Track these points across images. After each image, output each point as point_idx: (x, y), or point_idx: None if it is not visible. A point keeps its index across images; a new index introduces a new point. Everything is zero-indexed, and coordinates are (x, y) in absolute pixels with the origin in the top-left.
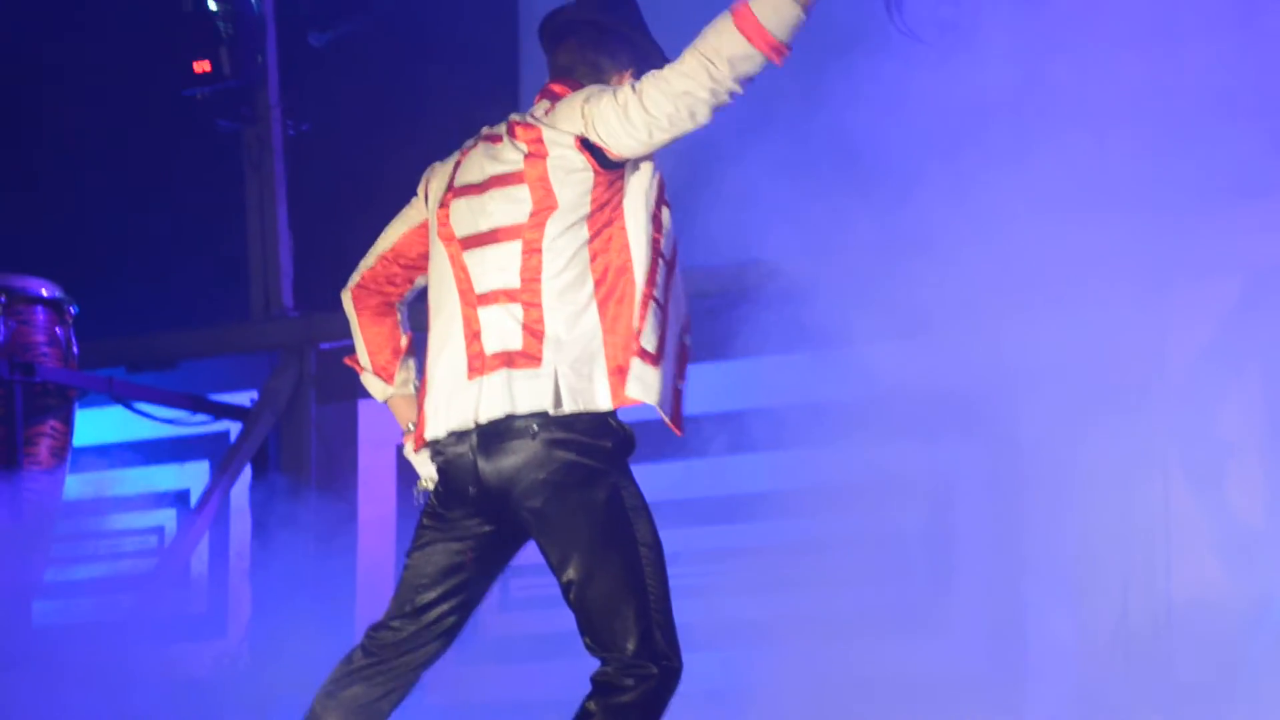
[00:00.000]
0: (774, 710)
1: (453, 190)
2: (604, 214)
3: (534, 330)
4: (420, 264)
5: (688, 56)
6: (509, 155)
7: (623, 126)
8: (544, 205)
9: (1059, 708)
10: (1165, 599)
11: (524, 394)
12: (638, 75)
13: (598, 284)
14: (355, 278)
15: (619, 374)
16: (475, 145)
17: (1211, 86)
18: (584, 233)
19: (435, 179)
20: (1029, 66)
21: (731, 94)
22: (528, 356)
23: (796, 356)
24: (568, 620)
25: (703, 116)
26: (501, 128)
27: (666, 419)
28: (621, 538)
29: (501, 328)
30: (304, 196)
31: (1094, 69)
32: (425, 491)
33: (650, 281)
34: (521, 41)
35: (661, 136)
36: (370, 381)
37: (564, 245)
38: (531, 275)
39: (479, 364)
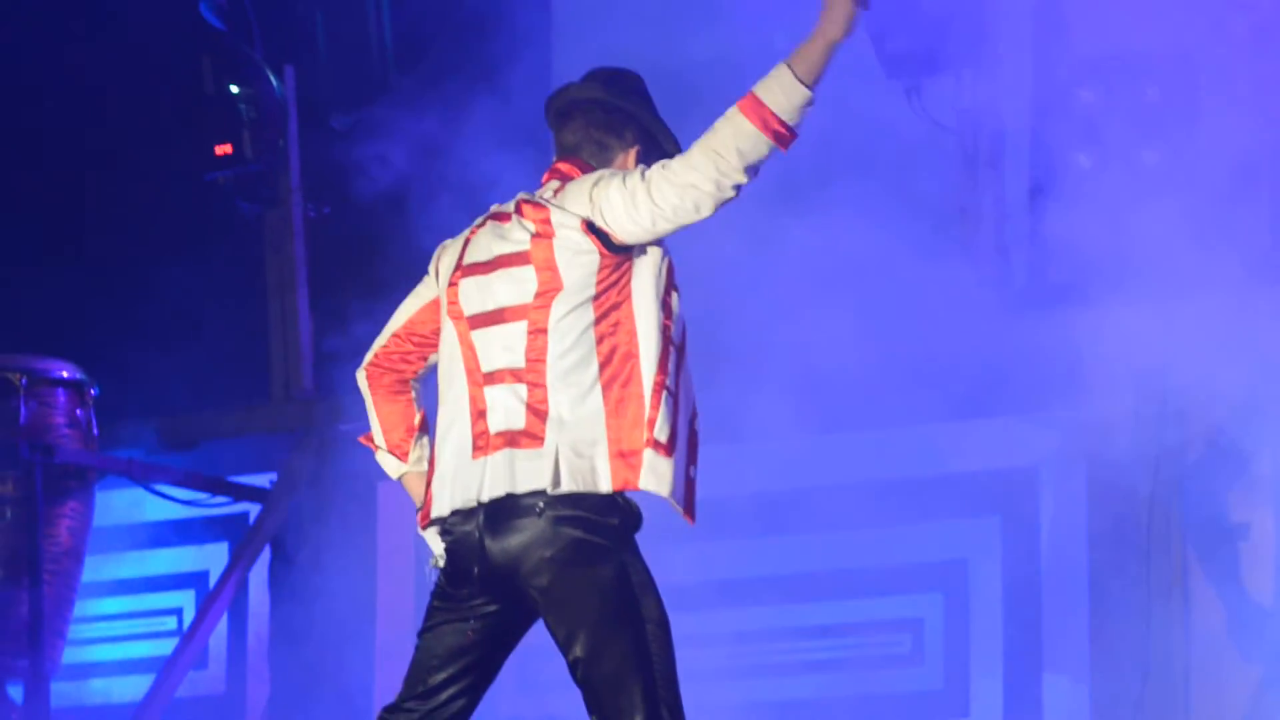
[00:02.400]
0: None
1: (461, 269)
2: (610, 297)
3: (538, 410)
4: (433, 341)
5: (696, 149)
6: (516, 235)
7: (628, 214)
8: (550, 286)
9: None
10: (1183, 688)
11: (525, 474)
12: (644, 153)
13: (603, 366)
14: (369, 356)
15: (621, 458)
16: (484, 224)
17: None
18: (589, 315)
19: (445, 257)
20: None
21: (737, 186)
22: (530, 436)
23: (813, 439)
24: (580, 701)
25: (706, 209)
26: (510, 206)
27: (679, 509)
28: (628, 616)
29: (506, 407)
30: (324, 277)
31: None
32: (436, 569)
33: (662, 369)
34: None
35: (665, 226)
36: (384, 459)
37: (569, 326)
38: (537, 355)
39: (483, 443)
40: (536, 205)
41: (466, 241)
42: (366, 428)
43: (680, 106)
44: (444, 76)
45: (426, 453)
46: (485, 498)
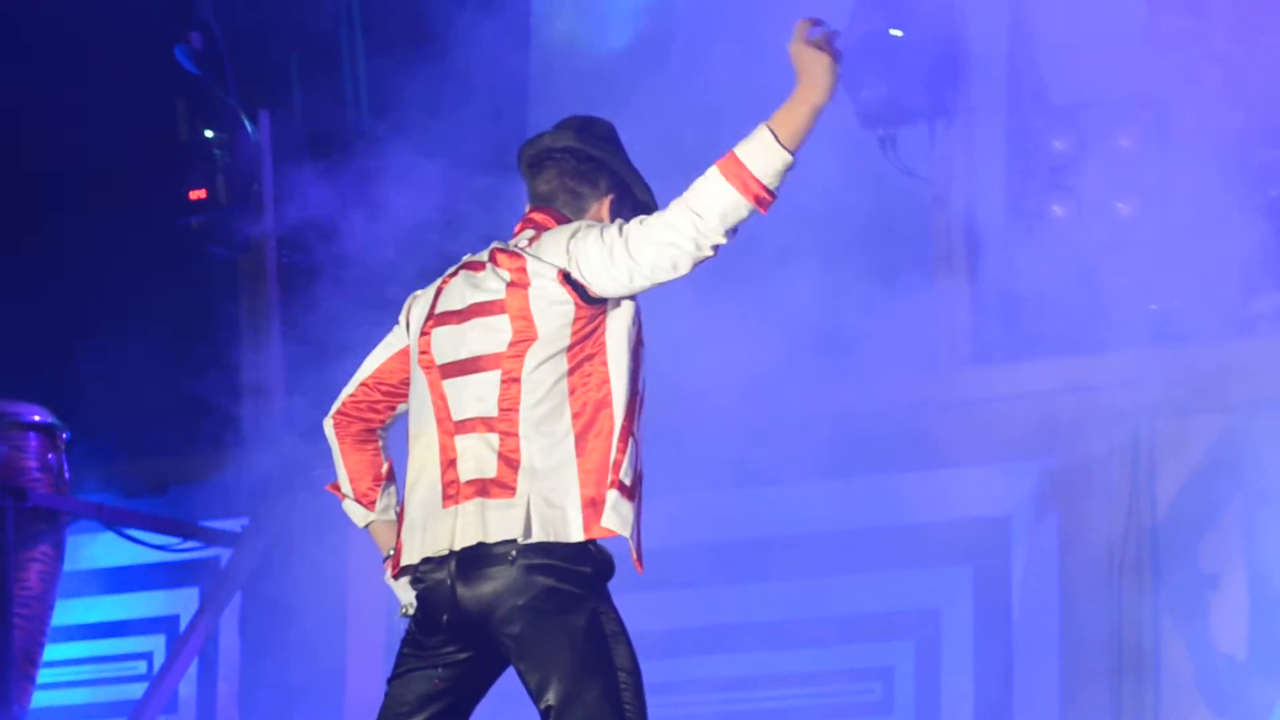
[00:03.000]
0: None
1: (434, 318)
2: (584, 347)
3: (509, 459)
4: (402, 391)
5: (675, 207)
6: (490, 284)
7: (605, 269)
8: (524, 336)
9: None
10: None
11: (496, 523)
12: (618, 202)
13: (575, 416)
14: (336, 404)
15: (592, 505)
16: (457, 273)
17: None
18: (563, 365)
19: (417, 306)
20: None
21: (716, 246)
22: (502, 486)
23: (785, 487)
24: None
25: (684, 268)
26: (484, 255)
27: (634, 554)
28: (600, 664)
29: (477, 456)
30: (297, 323)
31: None
32: (406, 617)
33: (629, 417)
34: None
35: (641, 283)
36: (351, 508)
37: (543, 376)
38: (509, 404)
39: (454, 491)
40: (512, 254)
41: (439, 291)
42: (335, 475)
43: (652, 149)
44: (418, 122)
45: (393, 501)
46: (457, 546)
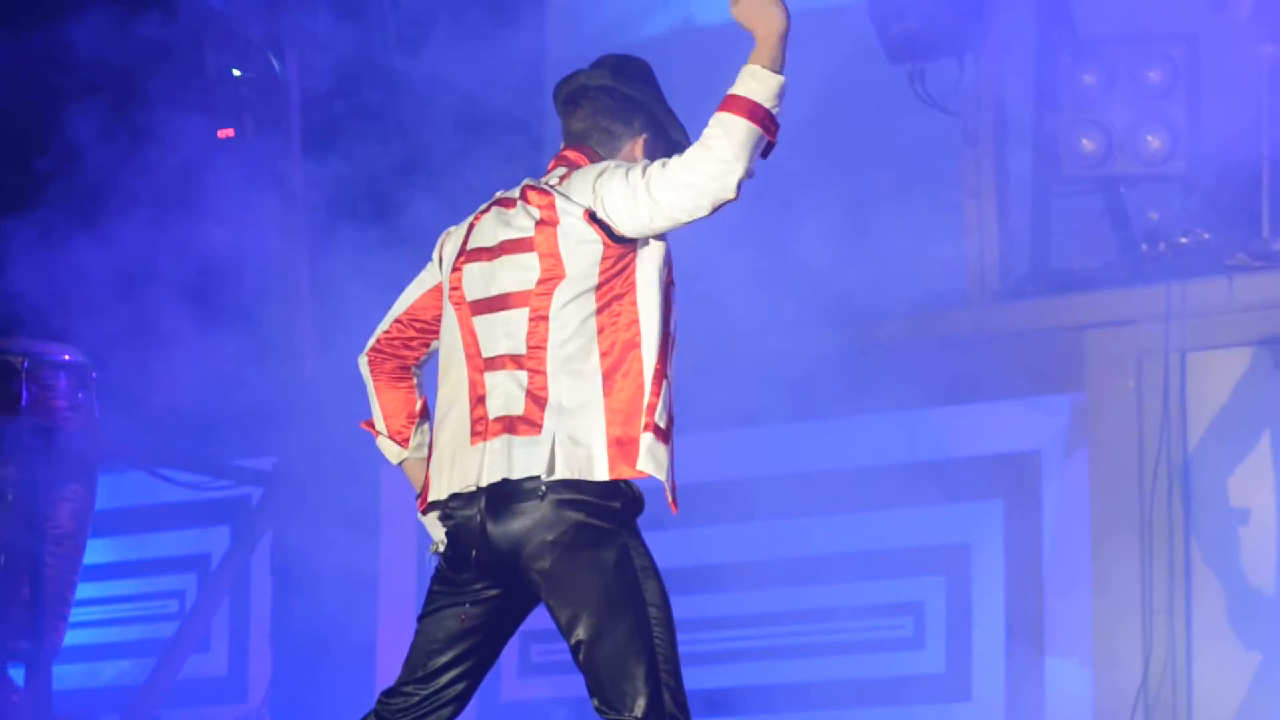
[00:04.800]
0: None
1: (465, 254)
2: (614, 286)
3: (537, 397)
4: (435, 328)
5: (692, 151)
6: (521, 221)
7: (627, 208)
8: (553, 274)
9: None
10: (1184, 672)
11: (522, 460)
12: (652, 142)
13: (603, 355)
14: (371, 342)
15: (618, 445)
16: (489, 210)
17: None
18: (591, 303)
19: (449, 243)
20: None
21: (737, 185)
22: (529, 423)
23: (816, 424)
24: (581, 684)
25: (704, 209)
26: (515, 192)
27: (669, 496)
28: (630, 599)
29: (506, 393)
30: (327, 260)
31: None
32: (436, 554)
33: (662, 358)
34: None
35: (661, 224)
36: (385, 445)
37: (571, 315)
38: (538, 342)
39: (482, 428)
40: (541, 192)
41: (471, 227)
42: (369, 411)
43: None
44: (446, 57)
45: (427, 439)
46: (484, 482)
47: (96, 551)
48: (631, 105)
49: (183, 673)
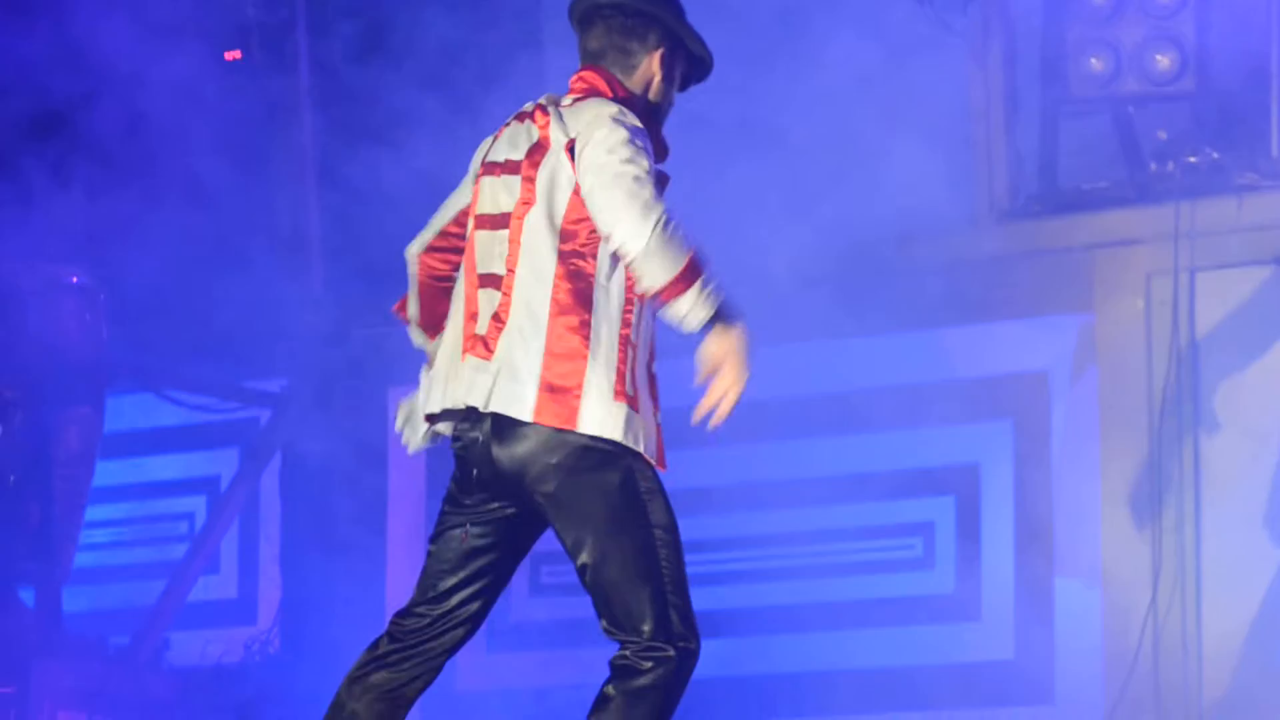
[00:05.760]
0: (802, 696)
1: (484, 167)
2: (577, 233)
3: (500, 321)
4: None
5: (650, 207)
6: (521, 141)
7: (590, 173)
8: (526, 199)
9: (1088, 692)
10: (1194, 590)
11: (471, 385)
12: (669, 56)
13: (554, 299)
14: (421, 244)
15: (548, 390)
16: (510, 123)
17: None
18: (554, 240)
19: (478, 155)
20: None
21: (636, 231)
22: (486, 347)
23: (822, 344)
24: (589, 606)
25: (620, 224)
26: (531, 107)
27: (651, 458)
28: (636, 520)
29: (482, 312)
30: (336, 182)
31: None
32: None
33: (625, 322)
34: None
35: (591, 207)
36: (415, 333)
37: (536, 245)
38: (511, 266)
39: (468, 345)
40: (545, 113)
41: (495, 139)
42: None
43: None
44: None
45: None
46: (459, 404)
47: (105, 474)
48: (645, 21)
49: (192, 594)
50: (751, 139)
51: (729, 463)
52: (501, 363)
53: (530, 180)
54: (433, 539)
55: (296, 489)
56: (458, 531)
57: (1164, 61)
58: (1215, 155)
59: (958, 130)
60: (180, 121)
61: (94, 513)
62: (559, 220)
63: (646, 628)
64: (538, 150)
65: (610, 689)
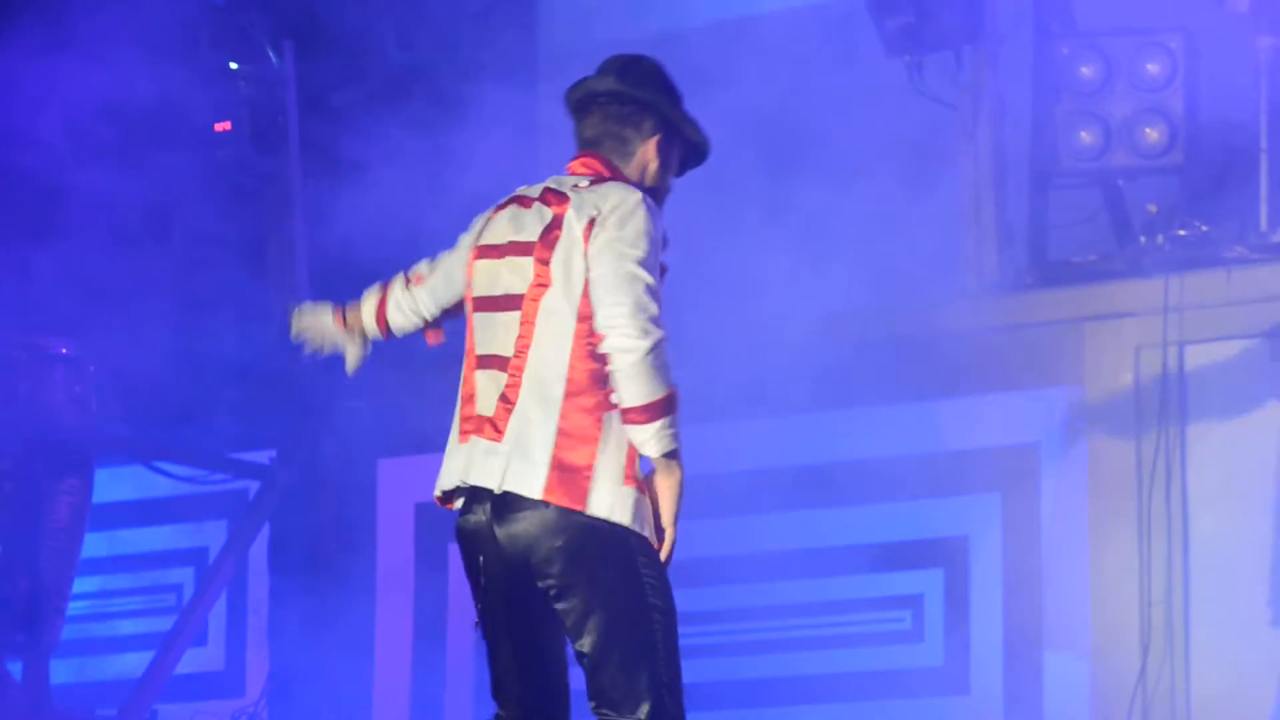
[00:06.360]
0: None
1: (477, 249)
2: (594, 316)
3: (508, 403)
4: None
5: (647, 334)
6: (531, 223)
7: (604, 272)
8: (543, 280)
9: None
10: (1183, 662)
11: (481, 466)
12: (665, 144)
13: (570, 379)
14: (395, 285)
15: (559, 469)
16: (506, 206)
17: None
18: (572, 321)
19: (470, 235)
20: None
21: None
22: (495, 429)
23: (814, 416)
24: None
25: (620, 329)
26: (535, 191)
27: (653, 542)
28: (638, 605)
29: (485, 394)
30: (324, 255)
31: None
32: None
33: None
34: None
35: (596, 304)
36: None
37: (551, 327)
38: (520, 348)
39: (469, 427)
40: (560, 195)
41: (487, 221)
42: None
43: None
44: (445, 55)
45: (358, 316)
46: (466, 482)
47: (94, 545)
48: (641, 109)
49: (180, 666)
50: (740, 210)
51: (719, 535)
52: (513, 443)
53: (545, 262)
54: (483, 634)
55: (285, 561)
56: (490, 619)
57: (1153, 135)
58: (1204, 228)
59: (948, 202)
60: (169, 194)
61: (82, 584)
62: (576, 303)
63: (643, 711)
64: (552, 232)
65: None
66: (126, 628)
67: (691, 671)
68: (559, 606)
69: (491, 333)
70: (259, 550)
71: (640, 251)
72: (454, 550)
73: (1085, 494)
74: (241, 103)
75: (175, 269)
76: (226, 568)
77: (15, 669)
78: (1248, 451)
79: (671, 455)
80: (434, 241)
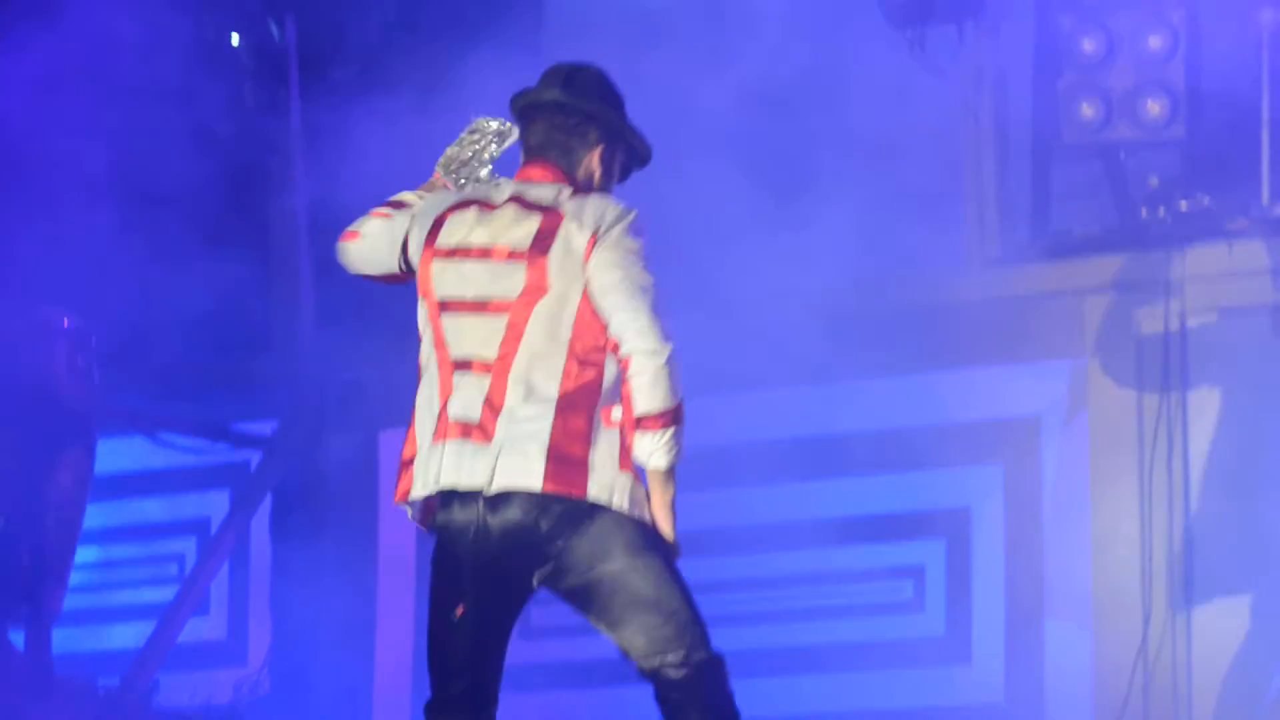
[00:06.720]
0: None
1: (433, 249)
2: (591, 322)
3: (494, 405)
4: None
5: (662, 348)
6: (511, 229)
7: (618, 274)
8: (539, 285)
9: None
10: (1184, 633)
11: (469, 467)
12: (608, 153)
13: (564, 381)
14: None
15: (556, 460)
16: (465, 207)
17: None
18: (569, 326)
19: (415, 229)
20: None
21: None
22: (482, 430)
23: (816, 388)
24: (589, 649)
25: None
26: (499, 196)
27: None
28: (654, 544)
29: (465, 397)
30: (326, 227)
31: None
32: None
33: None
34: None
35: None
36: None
37: (549, 331)
38: (506, 350)
39: (443, 429)
40: (541, 204)
41: (439, 221)
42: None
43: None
44: (446, 28)
45: None
46: (441, 486)
47: (96, 516)
48: (585, 119)
49: (182, 636)
50: (742, 183)
51: (720, 506)
52: (503, 442)
53: (541, 269)
54: (430, 624)
55: (287, 531)
56: (451, 610)
57: (1155, 108)
58: (1206, 201)
59: (950, 175)
60: (173, 165)
61: (84, 554)
62: (574, 311)
63: (699, 643)
64: (546, 239)
65: (676, 697)
66: (129, 598)
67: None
68: (569, 579)
69: (467, 335)
70: (261, 520)
71: (642, 261)
72: None
73: (1087, 465)
74: (244, 76)
75: (176, 243)
76: (229, 538)
77: (18, 639)
78: (1249, 423)
79: (671, 471)
80: None
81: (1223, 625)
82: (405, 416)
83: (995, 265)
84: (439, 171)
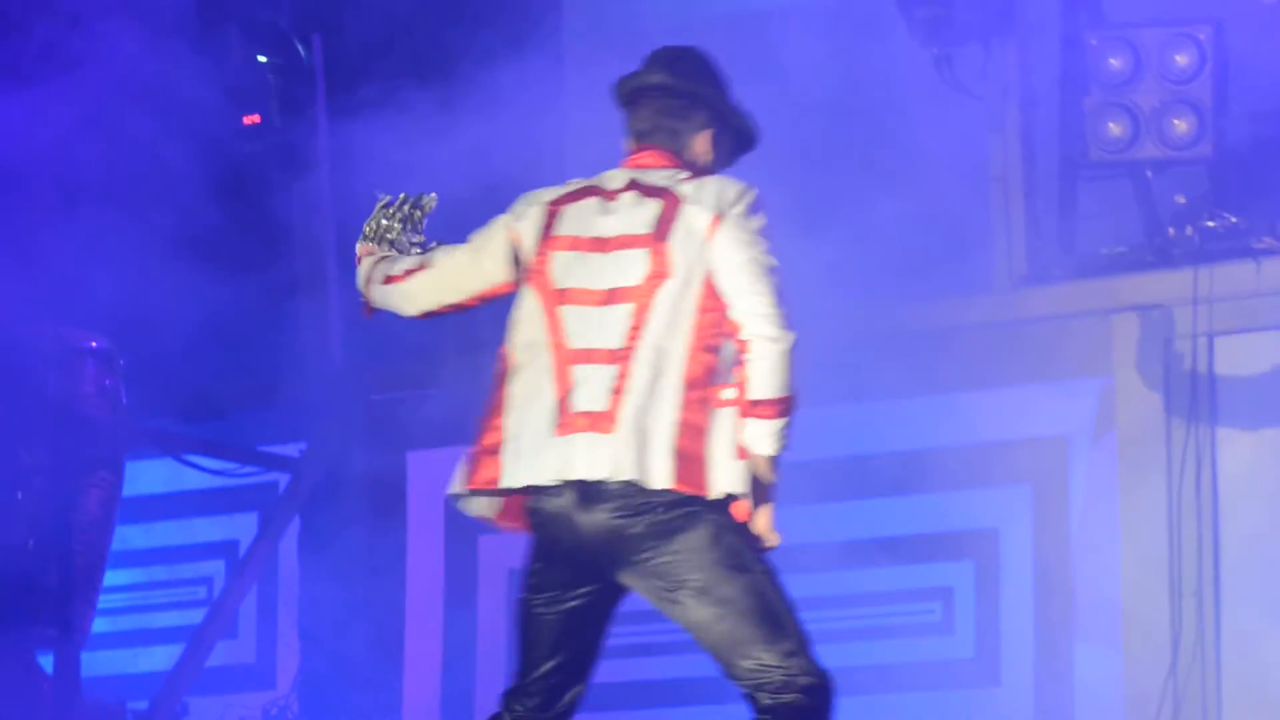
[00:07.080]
0: None
1: (551, 240)
2: (714, 305)
3: (620, 395)
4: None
5: (782, 338)
6: (632, 216)
7: (746, 253)
8: (661, 271)
9: None
10: (1214, 654)
11: (593, 458)
12: (717, 136)
13: (689, 365)
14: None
15: (679, 458)
16: (580, 197)
17: None
18: (693, 313)
19: (525, 224)
20: None
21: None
22: (609, 420)
23: (844, 407)
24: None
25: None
26: (617, 182)
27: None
28: (753, 555)
29: (591, 388)
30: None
31: None
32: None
33: (739, 388)
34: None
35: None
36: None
37: (674, 318)
38: (632, 339)
39: (567, 421)
40: (660, 188)
41: (552, 214)
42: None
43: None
44: (469, 47)
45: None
46: (566, 478)
47: (124, 538)
48: (691, 102)
49: (211, 659)
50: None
51: None
52: (629, 435)
53: (662, 254)
54: (521, 609)
55: (315, 554)
56: (543, 602)
57: (1182, 126)
58: (1233, 219)
59: (976, 195)
60: (200, 188)
61: (113, 577)
62: (697, 295)
63: (794, 647)
64: (667, 224)
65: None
66: (157, 620)
67: None
68: (658, 583)
69: (590, 325)
70: (289, 543)
71: (766, 244)
72: (484, 542)
73: (1115, 485)
74: (270, 95)
75: (204, 265)
76: (257, 560)
77: (46, 661)
78: (1278, 442)
79: (775, 459)
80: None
81: (1253, 647)
82: (434, 437)
83: (1022, 284)
84: (369, 245)
